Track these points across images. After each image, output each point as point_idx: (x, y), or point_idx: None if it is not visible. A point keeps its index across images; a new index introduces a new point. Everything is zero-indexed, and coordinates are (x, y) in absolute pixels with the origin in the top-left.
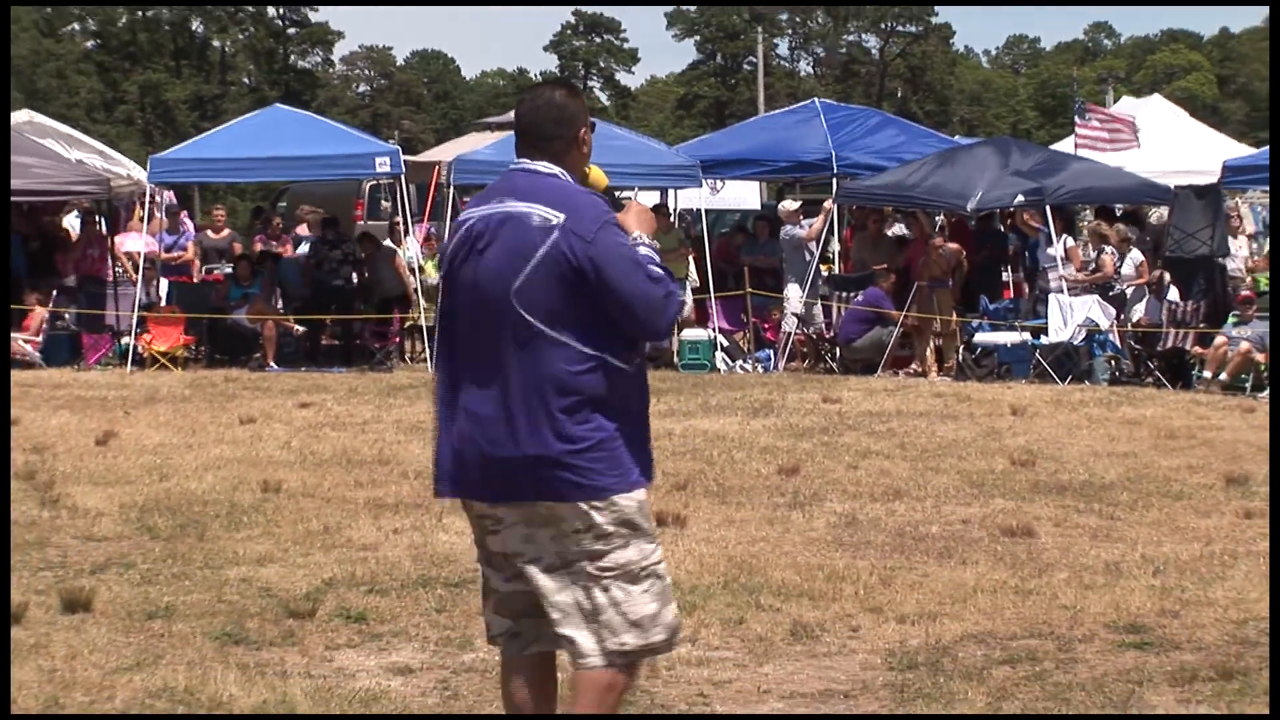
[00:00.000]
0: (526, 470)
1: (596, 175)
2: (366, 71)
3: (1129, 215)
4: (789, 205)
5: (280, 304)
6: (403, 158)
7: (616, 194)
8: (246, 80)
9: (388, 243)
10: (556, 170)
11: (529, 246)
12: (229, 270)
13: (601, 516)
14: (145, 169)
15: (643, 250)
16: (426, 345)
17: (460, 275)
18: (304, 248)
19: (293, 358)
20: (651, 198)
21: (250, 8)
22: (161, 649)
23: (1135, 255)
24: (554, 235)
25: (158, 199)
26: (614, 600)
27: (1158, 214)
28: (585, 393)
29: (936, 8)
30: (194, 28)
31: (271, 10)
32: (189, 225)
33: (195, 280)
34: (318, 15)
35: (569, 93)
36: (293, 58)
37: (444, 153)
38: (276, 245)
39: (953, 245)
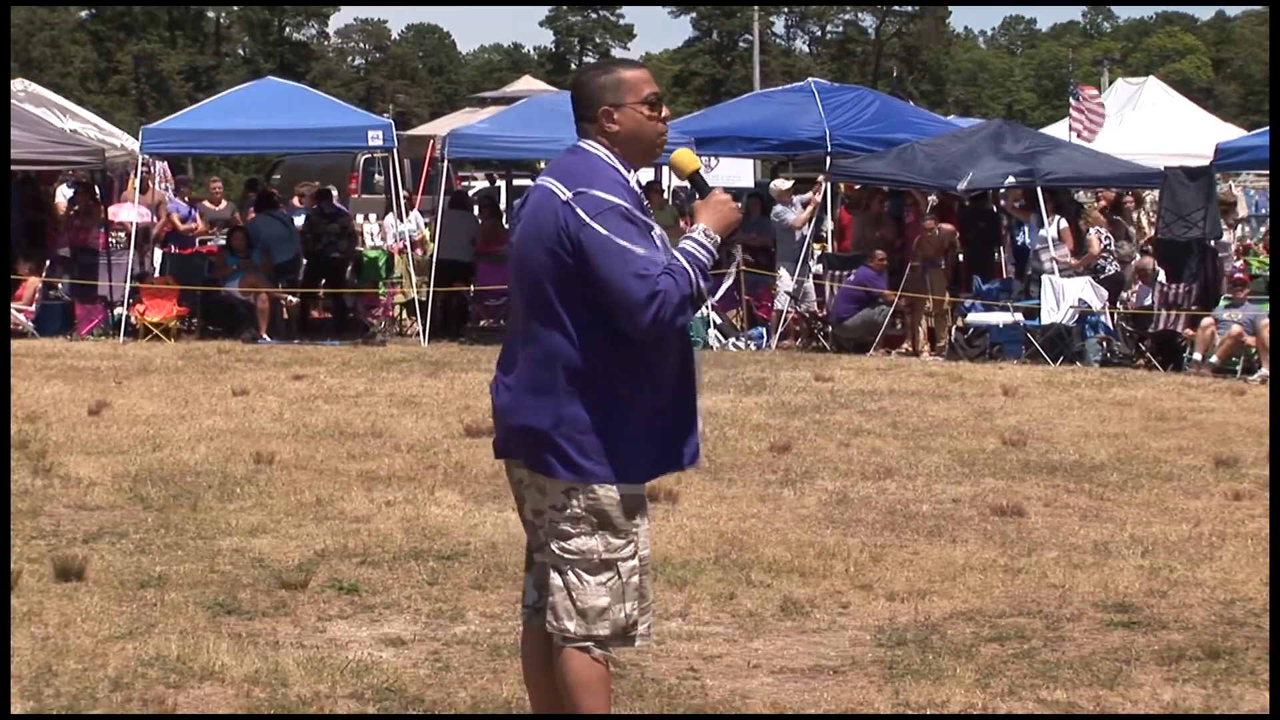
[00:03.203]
0: (526, 439)
1: (678, 158)
2: (362, 44)
3: (1114, 207)
4: (780, 185)
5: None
6: (396, 132)
7: (703, 177)
8: (241, 52)
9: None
10: (597, 148)
11: (545, 222)
12: (224, 242)
13: (576, 499)
14: (138, 139)
15: (688, 244)
16: (419, 319)
17: (510, 250)
18: (300, 220)
19: (286, 330)
20: (645, 174)
21: None
22: (154, 618)
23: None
24: (559, 211)
25: (151, 170)
26: (567, 584)
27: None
28: (588, 373)
29: None
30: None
31: None
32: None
33: (190, 251)
34: None
35: (593, 72)
36: (288, 30)
37: (438, 127)
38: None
39: (946, 226)
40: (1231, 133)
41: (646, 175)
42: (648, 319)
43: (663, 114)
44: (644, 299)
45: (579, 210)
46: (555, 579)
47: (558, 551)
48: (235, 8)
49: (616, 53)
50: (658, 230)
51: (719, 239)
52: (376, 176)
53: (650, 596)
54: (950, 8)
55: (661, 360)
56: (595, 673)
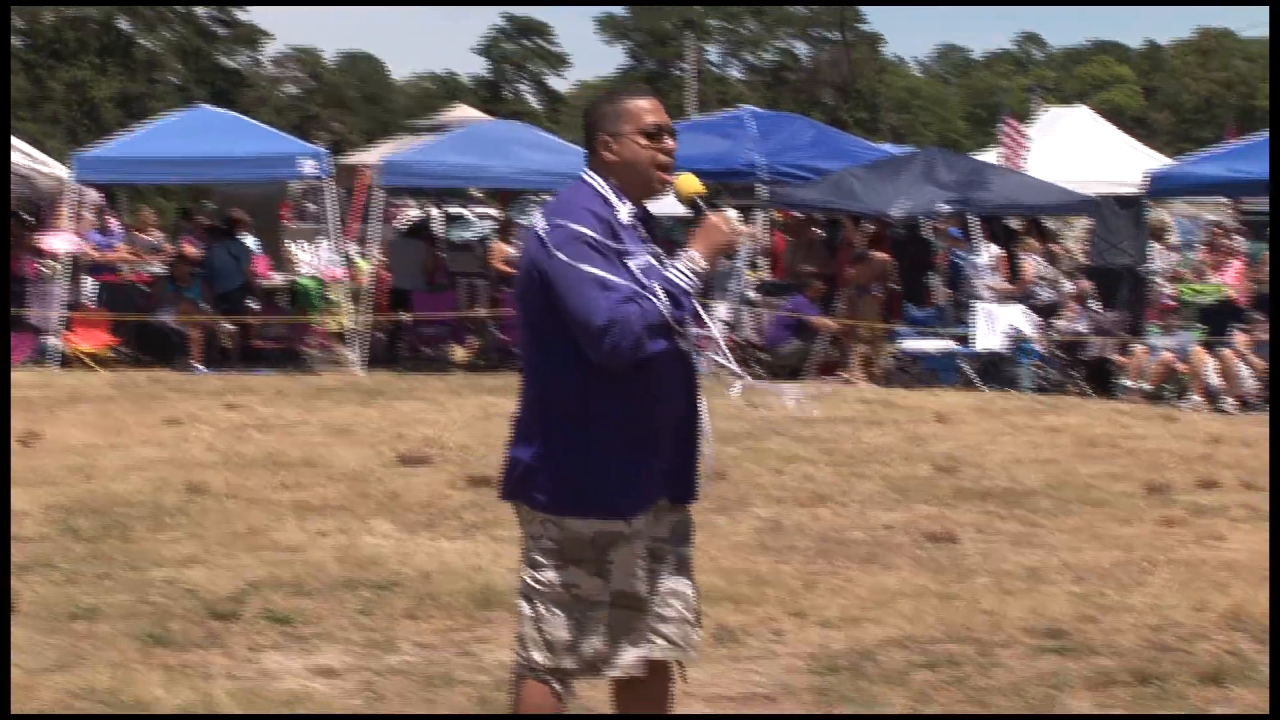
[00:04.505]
0: (510, 470)
1: (678, 183)
2: (295, 72)
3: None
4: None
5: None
6: (330, 160)
7: (701, 203)
8: (174, 79)
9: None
10: (592, 179)
11: (526, 257)
12: (158, 271)
13: (548, 531)
14: (70, 167)
15: (669, 271)
16: (356, 349)
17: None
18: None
19: (224, 358)
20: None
21: (180, 7)
22: (84, 650)
23: (1066, 283)
24: (534, 244)
25: (83, 198)
26: (536, 615)
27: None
28: (568, 405)
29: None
30: (121, 26)
31: (199, 10)
32: (114, 224)
33: (122, 280)
34: (246, 15)
35: (599, 100)
36: (220, 57)
37: (372, 155)
38: (203, 246)
39: (880, 254)
40: (1161, 161)
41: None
42: (605, 347)
43: (664, 145)
44: (601, 326)
45: (548, 243)
46: (524, 608)
47: (529, 581)
48: (167, 35)
49: (551, 81)
50: (641, 260)
51: (705, 265)
52: (310, 205)
53: (631, 629)
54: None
55: (646, 391)
56: (550, 706)
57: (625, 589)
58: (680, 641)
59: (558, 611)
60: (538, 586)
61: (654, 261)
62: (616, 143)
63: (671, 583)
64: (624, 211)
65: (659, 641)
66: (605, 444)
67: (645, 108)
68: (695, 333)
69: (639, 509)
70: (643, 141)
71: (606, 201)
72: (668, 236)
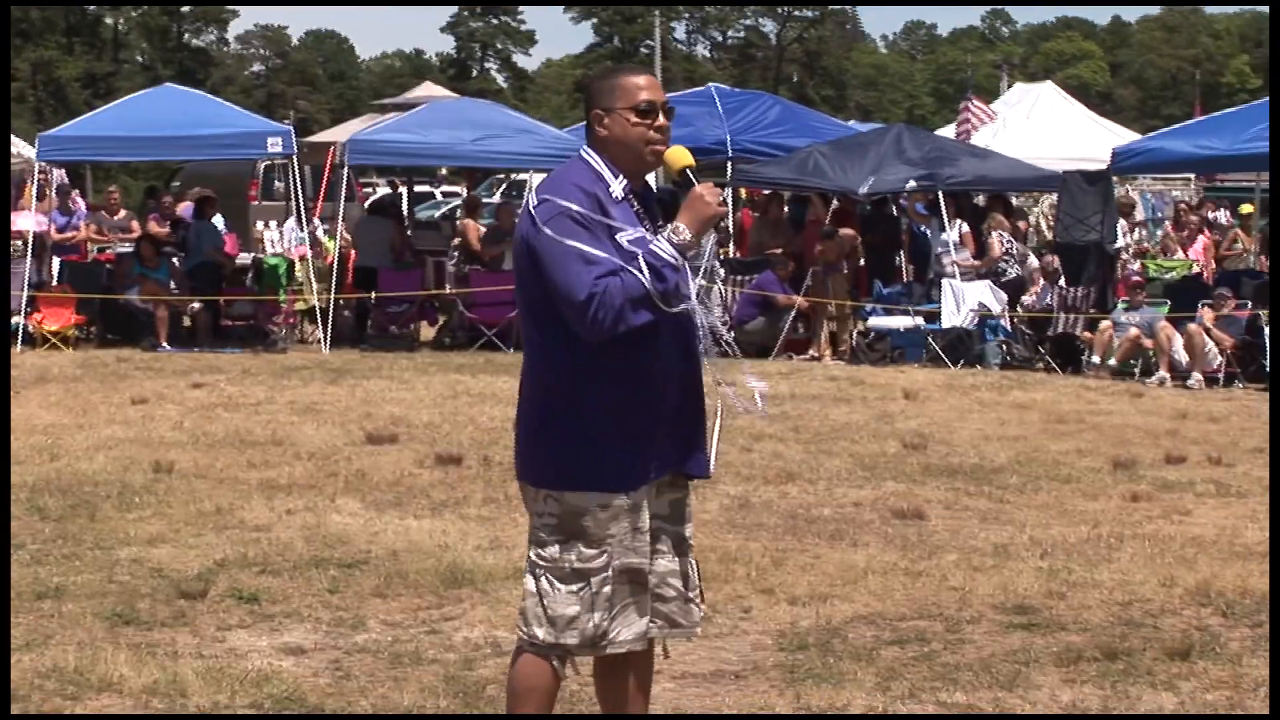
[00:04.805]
0: (517, 449)
1: (668, 155)
2: (261, 50)
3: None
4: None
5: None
6: (297, 138)
7: (692, 175)
8: (140, 58)
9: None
10: (587, 154)
11: (519, 233)
12: (126, 250)
13: (551, 507)
14: (35, 146)
15: (656, 247)
16: (320, 327)
17: None
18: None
19: (192, 337)
20: None
21: None
22: (51, 629)
23: (1032, 259)
24: (524, 220)
25: (49, 177)
26: (539, 590)
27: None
28: (564, 380)
29: None
30: (86, 5)
31: None
32: (81, 204)
33: (88, 259)
34: None
35: (596, 76)
36: (186, 36)
37: (339, 134)
38: (171, 224)
39: (847, 231)
40: (1127, 137)
41: None
42: (586, 321)
43: (656, 122)
44: (581, 300)
45: (537, 219)
46: (529, 583)
47: (533, 557)
48: (134, 14)
49: (518, 59)
50: (630, 235)
51: (689, 237)
52: (277, 183)
53: (633, 604)
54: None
55: (642, 366)
56: (544, 681)
57: (627, 563)
58: (682, 620)
59: (560, 586)
60: (541, 563)
61: (646, 236)
62: (609, 118)
63: (670, 562)
64: (616, 186)
65: (657, 621)
66: (601, 419)
67: (639, 84)
68: (694, 305)
69: (638, 482)
70: (634, 118)
71: (599, 177)
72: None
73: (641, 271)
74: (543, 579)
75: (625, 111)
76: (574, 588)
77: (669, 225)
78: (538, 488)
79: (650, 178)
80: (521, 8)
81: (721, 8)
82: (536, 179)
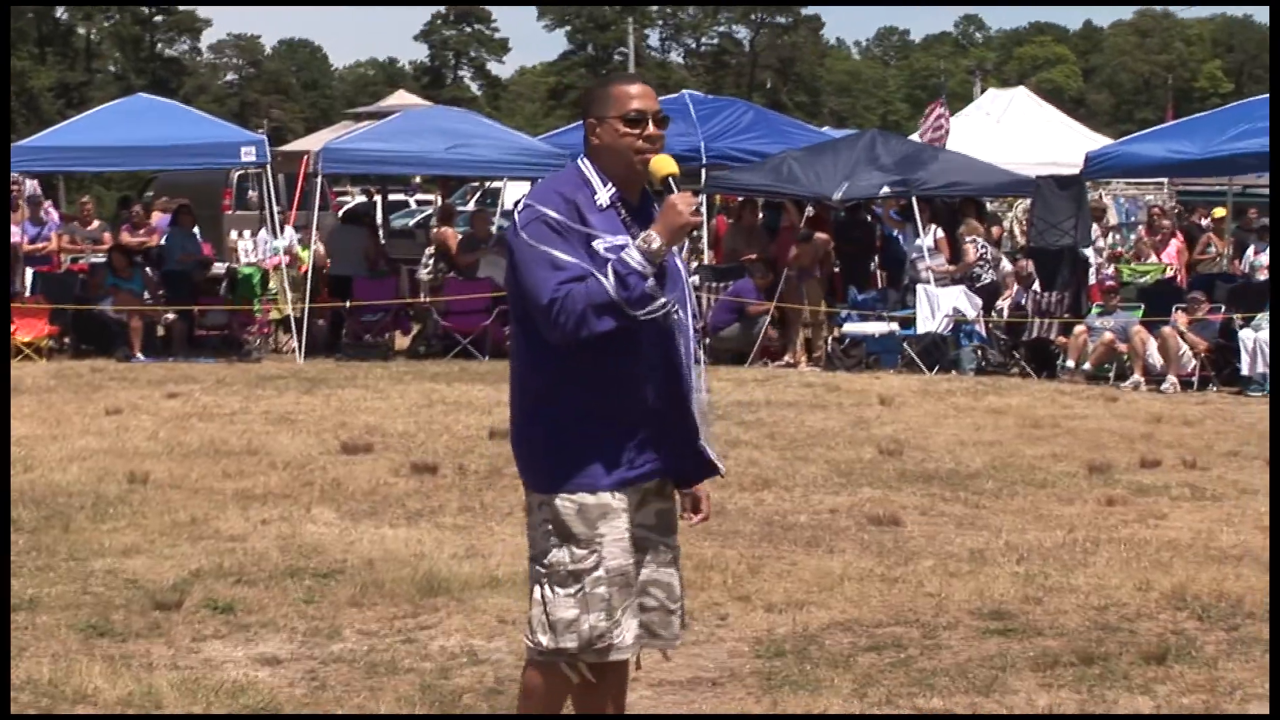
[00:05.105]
0: (515, 454)
1: (655, 163)
2: (235, 60)
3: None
4: None
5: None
6: (270, 147)
7: (673, 184)
8: (112, 68)
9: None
10: (581, 162)
11: (506, 239)
12: (98, 260)
13: (544, 512)
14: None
15: (626, 254)
16: (294, 336)
17: None
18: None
19: (166, 347)
20: (522, 188)
21: None
22: (25, 641)
23: (1006, 263)
24: (509, 226)
25: (21, 188)
26: (543, 598)
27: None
28: (544, 383)
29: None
30: (58, 14)
31: None
32: (53, 215)
33: (61, 270)
34: (185, 3)
35: (593, 85)
36: (159, 46)
37: (313, 142)
38: (143, 235)
39: (821, 236)
40: (1100, 142)
41: (524, 188)
42: (549, 325)
43: (646, 132)
44: (544, 305)
45: (517, 224)
46: (534, 592)
47: (535, 565)
48: (106, 23)
49: (492, 67)
50: (608, 242)
51: (659, 245)
52: (250, 192)
53: (622, 607)
54: (824, 18)
55: (619, 372)
56: (550, 688)
57: (617, 564)
58: (662, 631)
59: (559, 590)
60: (542, 569)
61: (624, 244)
62: (601, 127)
63: (654, 572)
64: (603, 194)
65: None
66: (578, 421)
67: (630, 93)
68: (676, 314)
69: (619, 482)
70: (622, 128)
71: (585, 184)
72: None
73: (607, 278)
74: (545, 586)
75: (615, 120)
76: (570, 590)
77: (641, 234)
78: (532, 492)
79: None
80: (495, 15)
81: (695, 14)
82: (511, 187)
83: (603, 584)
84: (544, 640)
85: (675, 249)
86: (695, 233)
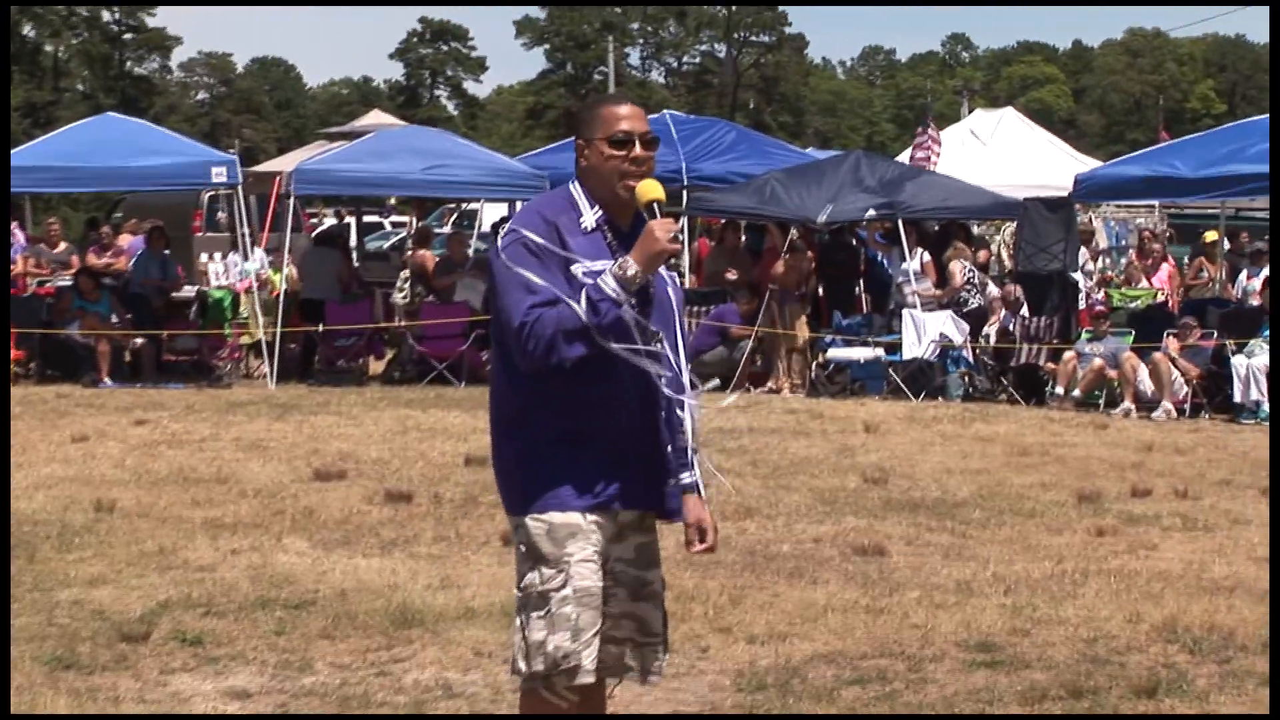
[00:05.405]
0: (496, 476)
1: (640, 188)
2: (206, 79)
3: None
4: None
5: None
6: (242, 168)
7: (657, 209)
8: (81, 87)
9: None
10: (571, 184)
11: (489, 261)
12: (65, 283)
13: (519, 535)
14: None
15: (601, 280)
16: (266, 361)
17: None
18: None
19: (134, 372)
20: (499, 210)
21: (83, 10)
22: None
23: (992, 287)
24: (492, 248)
25: None
26: (522, 624)
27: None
28: (517, 405)
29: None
30: (25, 32)
31: (106, 14)
32: (19, 236)
33: (27, 293)
34: (155, 20)
35: (582, 105)
36: (129, 64)
37: (285, 162)
38: (109, 257)
39: (806, 254)
40: (1090, 164)
41: (500, 210)
42: (519, 350)
43: (632, 153)
44: (515, 329)
45: (498, 245)
46: (516, 618)
47: (516, 590)
48: (74, 41)
49: (469, 86)
50: (588, 267)
51: (635, 272)
52: (221, 214)
53: (590, 629)
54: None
55: (592, 396)
56: (547, 714)
57: (585, 585)
58: (632, 663)
59: (532, 614)
60: (520, 594)
61: (604, 269)
62: (588, 148)
63: (628, 605)
64: (589, 217)
65: (605, 661)
66: (552, 446)
67: (618, 114)
68: (644, 344)
69: (591, 504)
70: (608, 149)
71: (571, 206)
72: None
73: (579, 304)
74: (523, 611)
75: (601, 142)
76: (540, 612)
77: (617, 260)
78: (509, 514)
79: None
80: (472, 33)
81: (677, 33)
82: (488, 209)
83: (569, 604)
84: (522, 666)
85: (670, 279)
86: (674, 260)
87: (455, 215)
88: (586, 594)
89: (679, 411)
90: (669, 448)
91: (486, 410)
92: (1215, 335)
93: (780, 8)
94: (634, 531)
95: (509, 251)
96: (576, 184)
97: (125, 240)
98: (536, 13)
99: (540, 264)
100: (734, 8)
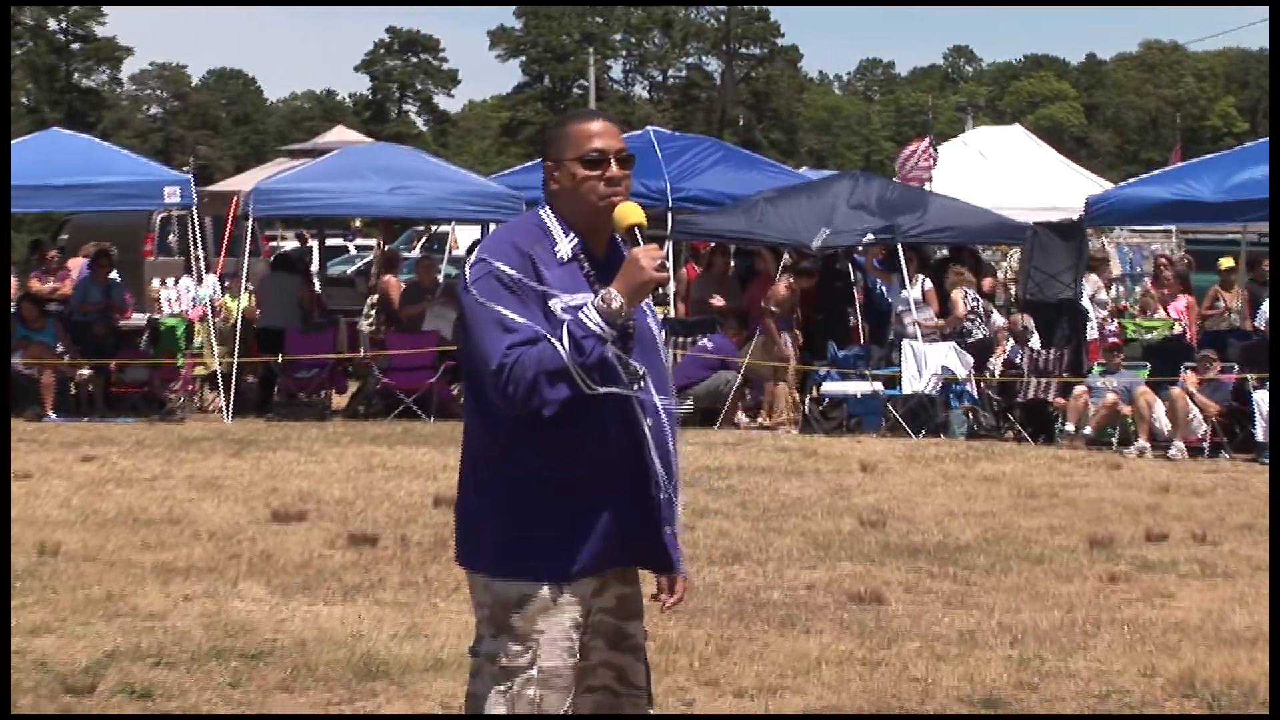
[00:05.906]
0: (457, 524)
1: (618, 212)
2: (158, 91)
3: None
4: None
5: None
6: (197, 187)
7: (639, 235)
8: (25, 100)
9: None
10: (543, 209)
11: (458, 293)
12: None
13: (481, 595)
14: None
15: (584, 315)
16: (221, 394)
17: None
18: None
19: (85, 405)
20: (471, 233)
21: (28, 19)
22: None
23: (997, 316)
24: (460, 280)
25: None
26: (475, 691)
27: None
28: (493, 455)
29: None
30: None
31: (53, 22)
32: None
33: None
34: (104, 29)
35: (550, 123)
36: (76, 75)
37: (243, 181)
38: (54, 281)
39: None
40: (1102, 184)
41: (473, 233)
42: (498, 393)
43: (608, 173)
44: (494, 370)
45: (467, 277)
46: (472, 678)
47: (473, 656)
48: (18, 51)
49: (440, 100)
50: (565, 300)
51: (620, 303)
52: (173, 236)
53: (558, 710)
54: (802, 49)
55: (575, 443)
56: None
57: (552, 666)
58: (607, 714)
59: (491, 685)
60: (475, 660)
61: (584, 302)
62: (559, 170)
63: (607, 654)
64: (564, 246)
65: (581, 712)
66: (529, 500)
67: (589, 131)
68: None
69: (571, 574)
70: (581, 170)
71: (545, 234)
72: None
73: (561, 342)
74: (479, 676)
75: (573, 162)
76: (501, 688)
77: (600, 292)
78: (469, 569)
79: None
80: (443, 44)
81: (662, 44)
82: (460, 232)
83: (533, 685)
84: None
85: (649, 310)
86: (661, 290)
87: (425, 238)
88: (554, 674)
89: (671, 451)
90: (661, 494)
91: (458, 447)
92: (1236, 369)
93: (773, 19)
94: (616, 583)
95: (480, 285)
96: (548, 209)
97: (75, 264)
98: (512, 22)
99: (516, 299)
100: (727, 18)
